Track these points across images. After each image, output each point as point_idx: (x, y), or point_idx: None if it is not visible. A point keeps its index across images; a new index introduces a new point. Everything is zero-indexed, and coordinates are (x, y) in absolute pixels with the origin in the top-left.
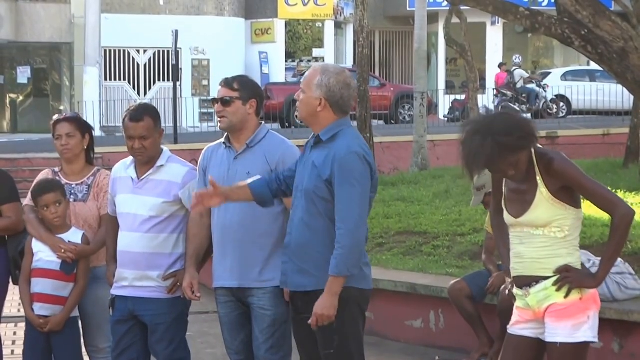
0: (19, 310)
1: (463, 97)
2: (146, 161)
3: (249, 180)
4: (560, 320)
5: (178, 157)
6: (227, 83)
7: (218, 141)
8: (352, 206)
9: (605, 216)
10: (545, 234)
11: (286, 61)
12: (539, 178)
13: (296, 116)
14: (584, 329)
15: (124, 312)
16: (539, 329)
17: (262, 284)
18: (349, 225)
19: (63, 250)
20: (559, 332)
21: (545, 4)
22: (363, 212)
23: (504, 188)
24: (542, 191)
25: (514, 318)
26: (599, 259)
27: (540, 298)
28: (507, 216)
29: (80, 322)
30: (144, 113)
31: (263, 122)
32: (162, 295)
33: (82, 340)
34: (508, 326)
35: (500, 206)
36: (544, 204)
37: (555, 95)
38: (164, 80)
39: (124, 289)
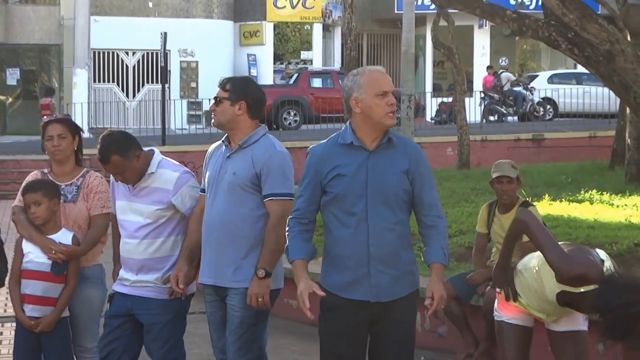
0: (5, 310)
1: (450, 99)
2: (134, 183)
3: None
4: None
5: (170, 160)
6: (221, 83)
7: (223, 138)
8: (437, 199)
9: (590, 218)
10: None
11: (274, 63)
12: None
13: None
14: None
15: (121, 308)
16: (530, 319)
17: (235, 284)
18: (441, 216)
19: (54, 251)
20: (580, 322)
21: (532, 7)
22: None
23: (557, 283)
24: None
25: (508, 310)
26: None
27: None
28: (553, 299)
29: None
30: (109, 153)
31: (262, 125)
32: (160, 295)
33: None
34: (503, 317)
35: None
36: None
37: (542, 98)
38: (152, 82)
39: (124, 287)
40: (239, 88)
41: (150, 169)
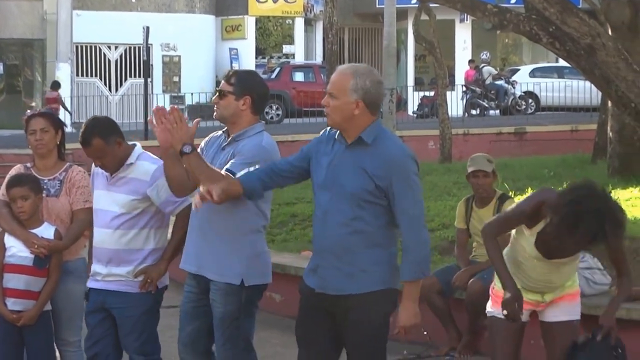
0: None
1: (432, 93)
2: (112, 171)
3: (241, 173)
4: (574, 302)
5: (150, 154)
6: (226, 76)
7: (225, 129)
8: (416, 209)
9: None
10: (573, 263)
11: (256, 58)
12: None
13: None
14: None
15: (97, 303)
16: (525, 313)
17: (216, 277)
18: (417, 228)
19: (36, 246)
20: (573, 311)
21: (513, 1)
22: (423, 213)
23: (535, 235)
24: None
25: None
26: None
27: (557, 292)
28: (538, 255)
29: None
30: (92, 135)
31: (261, 122)
32: (132, 289)
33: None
34: (495, 312)
35: (505, 233)
36: None
37: (524, 92)
38: (135, 76)
39: (97, 282)
40: (245, 82)
41: (130, 160)
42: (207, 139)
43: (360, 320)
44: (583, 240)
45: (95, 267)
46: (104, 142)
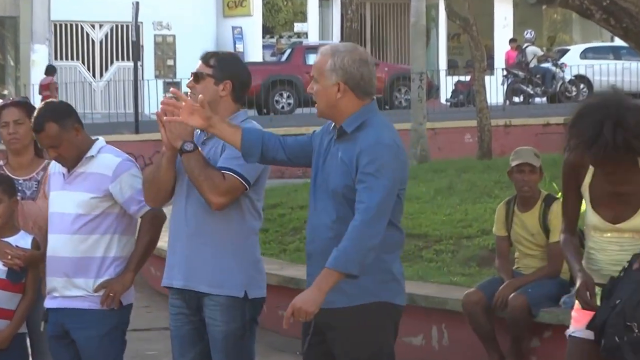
0: None
1: (468, 78)
2: (71, 165)
3: (246, 125)
4: None
5: (113, 147)
6: (204, 57)
7: None
8: (373, 198)
9: None
10: None
11: (264, 37)
12: None
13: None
14: None
15: (57, 326)
16: None
17: (213, 290)
18: (364, 217)
19: (10, 257)
20: None
21: None
22: (383, 209)
23: (587, 192)
24: None
25: (581, 320)
26: None
27: None
28: (599, 221)
29: (28, 340)
30: (44, 120)
31: (244, 110)
32: (94, 305)
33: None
34: (573, 331)
35: (575, 224)
36: None
37: (574, 76)
38: (123, 59)
39: (55, 299)
40: (226, 65)
41: (90, 152)
42: None
43: (345, 339)
44: (586, 149)
45: (51, 282)
46: (59, 127)
